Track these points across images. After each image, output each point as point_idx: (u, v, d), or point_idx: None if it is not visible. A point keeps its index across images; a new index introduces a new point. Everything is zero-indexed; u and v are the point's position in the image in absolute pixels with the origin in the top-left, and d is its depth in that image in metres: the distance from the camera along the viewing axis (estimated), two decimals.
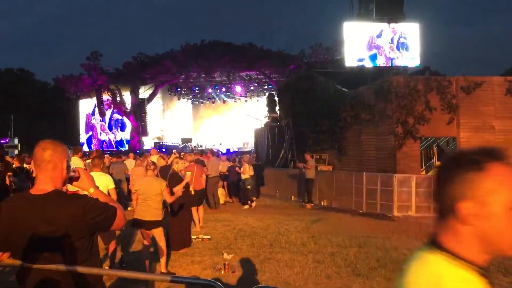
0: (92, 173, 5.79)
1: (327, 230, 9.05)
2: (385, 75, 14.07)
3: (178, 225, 7.40)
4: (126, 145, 34.03)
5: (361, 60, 15.64)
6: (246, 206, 13.00)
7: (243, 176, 13.25)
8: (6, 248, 2.00)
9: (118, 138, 36.49)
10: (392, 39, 15.70)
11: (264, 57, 30.02)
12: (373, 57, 15.68)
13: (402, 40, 15.73)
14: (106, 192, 5.77)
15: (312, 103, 16.40)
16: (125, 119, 33.64)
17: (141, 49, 63.09)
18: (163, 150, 23.80)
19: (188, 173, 7.23)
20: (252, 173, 13.25)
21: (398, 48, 15.69)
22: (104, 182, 5.88)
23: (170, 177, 7.36)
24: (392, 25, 15.74)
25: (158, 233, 5.99)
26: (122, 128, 36.28)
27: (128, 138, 34.68)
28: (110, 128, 37.21)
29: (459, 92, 12.42)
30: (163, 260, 5.99)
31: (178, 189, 6.48)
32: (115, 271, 4.44)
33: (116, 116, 35.83)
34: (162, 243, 5.98)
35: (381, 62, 15.73)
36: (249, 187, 13.19)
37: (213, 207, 12.20)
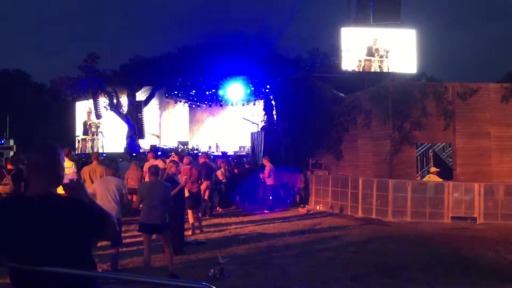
0: (107, 178, 6.24)
1: (323, 235, 9.04)
2: (381, 81, 14.10)
3: (176, 229, 7.39)
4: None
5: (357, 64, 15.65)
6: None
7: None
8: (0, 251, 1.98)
9: None
10: (388, 45, 15.74)
11: (261, 61, 29.98)
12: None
13: (397, 46, 15.78)
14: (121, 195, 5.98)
15: (309, 108, 16.41)
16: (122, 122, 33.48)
17: (138, 51, 63.08)
18: (159, 153, 23.70)
19: (184, 177, 7.30)
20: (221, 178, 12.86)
21: (392, 55, 15.71)
22: (117, 186, 6.06)
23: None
24: (389, 31, 15.80)
25: (167, 236, 6.03)
26: None
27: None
28: None
29: (455, 98, 12.47)
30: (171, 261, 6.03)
31: (173, 192, 6.73)
32: (110, 274, 4.41)
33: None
34: (169, 245, 6.01)
35: (376, 67, 15.76)
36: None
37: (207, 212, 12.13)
